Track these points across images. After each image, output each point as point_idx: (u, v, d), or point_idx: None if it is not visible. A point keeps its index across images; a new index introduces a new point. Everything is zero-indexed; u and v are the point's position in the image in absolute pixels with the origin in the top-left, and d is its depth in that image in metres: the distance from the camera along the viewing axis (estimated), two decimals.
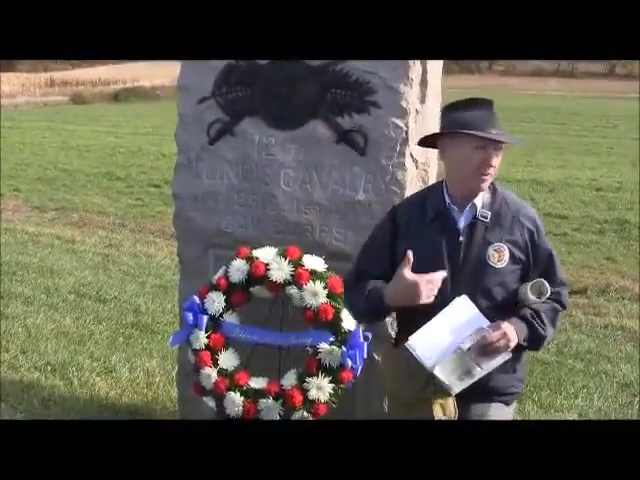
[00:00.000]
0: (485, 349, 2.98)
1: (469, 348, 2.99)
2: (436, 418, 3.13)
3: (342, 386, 3.85)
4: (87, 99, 40.16)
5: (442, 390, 3.09)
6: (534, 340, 3.10)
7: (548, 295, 3.05)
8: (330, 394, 3.84)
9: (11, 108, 32.93)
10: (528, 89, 49.78)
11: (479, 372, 3.05)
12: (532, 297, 3.04)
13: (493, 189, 3.16)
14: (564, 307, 3.21)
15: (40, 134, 23.32)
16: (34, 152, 19.17)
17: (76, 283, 8.28)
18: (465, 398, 3.12)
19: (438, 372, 3.04)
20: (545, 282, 3.04)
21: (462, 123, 3.01)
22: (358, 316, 3.50)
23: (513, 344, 3.00)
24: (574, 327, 7.14)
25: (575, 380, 5.95)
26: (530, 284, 3.05)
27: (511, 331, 3.00)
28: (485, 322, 3.01)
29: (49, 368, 5.97)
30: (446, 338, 3.01)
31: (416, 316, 3.06)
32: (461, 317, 3.02)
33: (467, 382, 3.07)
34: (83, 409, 5.25)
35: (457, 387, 3.07)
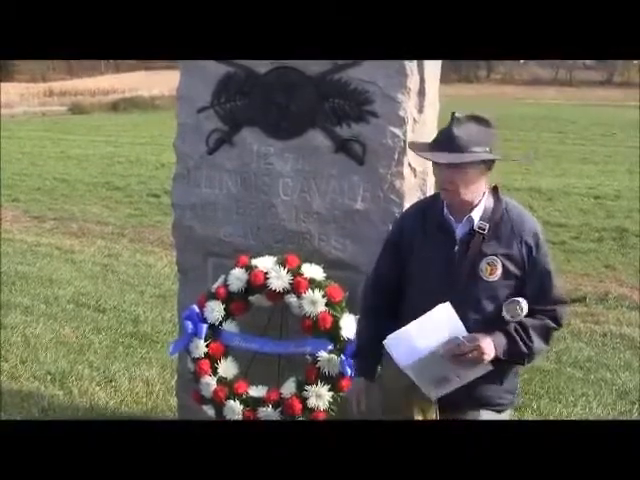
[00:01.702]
0: (458, 359, 3.00)
1: (443, 355, 3.01)
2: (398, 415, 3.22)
3: (341, 394, 3.86)
4: (86, 109, 40.14)
5: (424, 395, 3.14)
6: (515, 355, 3.07)
7: (521, 317, 3.03)
8: (329, 402, 3.86)
9: (9, 118, 32.92)
10: (526, 98, 49.86)
11: (457, 381, 3.08)
12: (506, 316, 3.04)
13: (497, 200, 3.14)
14: (559, 324, 3.15)
15: (39, 144, 23.33)
16: (33, 162, 19.18)
17: (75, 293, 8.28)
18: (450, 405, 3.15)
19: (412, 374, 3.08)
20: (521, 303, 3.01)
21: (432, 140, 3.12)
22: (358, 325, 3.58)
23: (488, 357, 3.00)
24: (573, 335, 7.14)
25: (574, 388, 5.95)
26: (506, 303, 3.04)
27: (487, 344, 2.99)
28: (463, 332, 3.02)
29: (48, 377, 5.96)
30: (422, 342, 3.03)
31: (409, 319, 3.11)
32: (441, 324, 3.03)
33: (445, 389, 3.11)
34: (82, 419, 5.24)
35: (433, 392, 3.12)
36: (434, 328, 3.03)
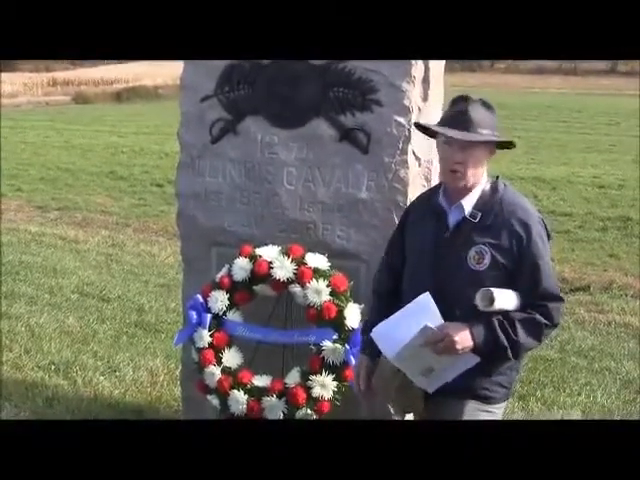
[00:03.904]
0: (434, 348, 3.00)
1: (420, 345, 3.01)
2: (393, 401, 3.35)
3: (346, 384, 3.86)
4: (89, 98, 40.05)
5: (409, 381, 3.18)
6: (496, 348, 3.03)
7: (493, 308, 2.98)
8: (334, 392, 3.85)
9: (13, 108, 32.88)
10: (530, 87, 49.64)
11: (443, 372, 3.09)
12: (479, 305, 3.01)
13: (494, 188, 3.14)
14: (551, 321, 3.08)
15: (42, 134, 23.30)
16: (36, 152, 19.15)
17: (79, 282, 8.29)
18: (437, 393, 3.16)
19: (398, 363, 3.12)
20: (493, 294, 2.97)
21: (441, 119, 3.16)
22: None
23: (462, 347, 2.98)
24: (577, 324, 7.14)
25: (578, 377, 5.95)
26: (479, 291, 3.01)
27: (461, 334, 2.98)
28: (438, 321, 3.01)
29: (53, 367, 5.97)
30: (403, 333, 3.04)
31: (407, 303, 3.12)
32: (419, 314, 3.04)
33: (435, 381, 3.13)
34: (87, 408, 5.25)
35: (425, 384, 3.16)
36: (414, 318, 3.04)
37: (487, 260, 3.05)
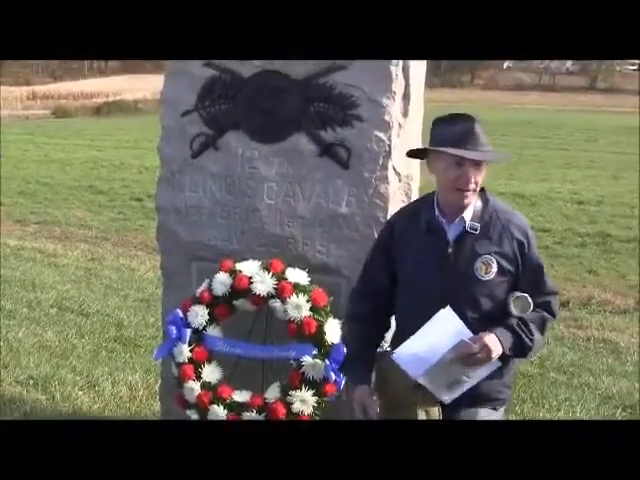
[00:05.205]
0: (467, 360, 3.02)
1: (452, 360, 3.01)
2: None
3: (326, 399, 3.85)
4: (69, 112, 40.05)
5: (430, 397, 3.14)
6: (520, 349, 3.12)
7: (530, 311, 3.08)
8: (314, 407, 3.85)
9: None
10: (509, 103, 50.01)
11: (468, 381, 3.10)
12: (515, 312, 3.08)
13: (485, 200, 3.17)
14: (554, 315, 3.21)
15: (22, 147, 23.22)
16: (16, 165, 19.06)
17: (58, 297, 8.23)
18: (452, 404, 3.16)
19: (425, 382, 3.09)
20: (529, 298, 3.07)
21: (443, 138, 3.05)
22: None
23: (496, 354, 3.03)
24: (556, 340, 7.16)
25: (557, 393, 5.97)
26: (513, 299, 3.08)
27: (493, 342, 3.02)
28: (468, 334, 3.02)
29: (31, 382, 5.92)
30: (430, 350, 3.03)
31: (412, 323, 3.10)
32: (444, 329, 3.03)
33: (457, 391, 3.12)
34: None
35: (446, 396, 3.13)
36: (439, 334, 3.03)
37: (494, 269, 3.10)
